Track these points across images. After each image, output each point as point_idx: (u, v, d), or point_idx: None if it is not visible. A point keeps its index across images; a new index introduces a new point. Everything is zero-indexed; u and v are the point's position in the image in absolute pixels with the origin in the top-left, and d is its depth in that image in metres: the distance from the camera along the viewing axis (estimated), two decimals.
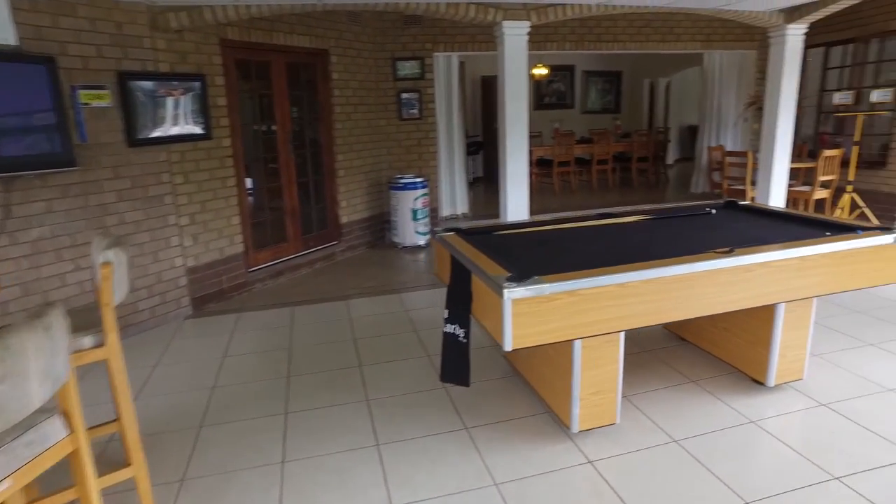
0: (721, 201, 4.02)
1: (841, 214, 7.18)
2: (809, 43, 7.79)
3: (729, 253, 2.63)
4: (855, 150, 7.01)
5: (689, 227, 3.41)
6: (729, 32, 7.95)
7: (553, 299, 2.28)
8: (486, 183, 10.59)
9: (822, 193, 6.88)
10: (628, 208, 3.92)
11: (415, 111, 6.81)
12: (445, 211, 7.39)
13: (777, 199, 6.35)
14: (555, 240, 3.15)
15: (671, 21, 7.59)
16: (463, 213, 7.52)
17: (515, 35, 5.01)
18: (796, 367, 3.22)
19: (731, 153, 7.19)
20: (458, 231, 3.29)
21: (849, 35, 7.30)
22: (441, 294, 3.66)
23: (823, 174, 6.76)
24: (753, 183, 7.09)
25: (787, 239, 2.93)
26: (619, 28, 7.38)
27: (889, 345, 3.60)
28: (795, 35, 5.93)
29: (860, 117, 7.03)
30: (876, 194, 7.17)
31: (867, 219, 7.12)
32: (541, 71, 10.16)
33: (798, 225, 3.35)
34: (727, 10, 5.62)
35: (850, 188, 7.15)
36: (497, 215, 7.51)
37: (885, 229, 3.03)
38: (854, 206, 7.23)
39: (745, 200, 6.15)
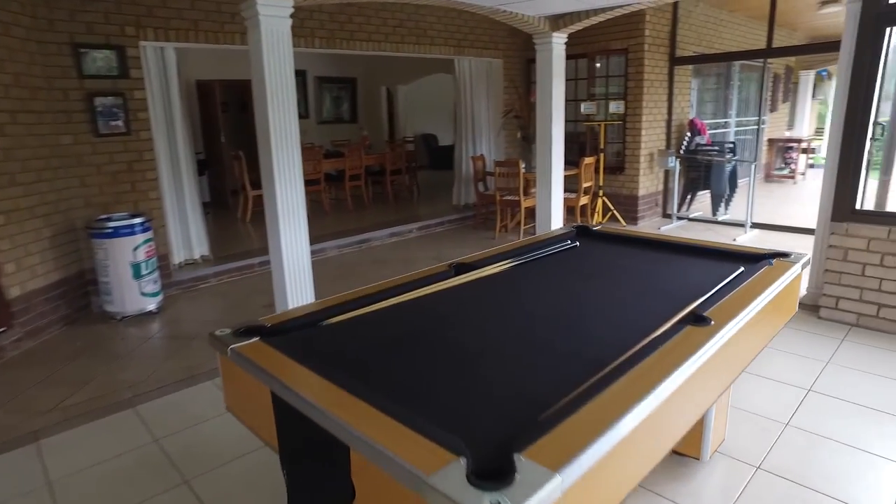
0: (570, 228, 3.34)
1: (598, 218, 7.49)
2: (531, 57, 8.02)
3: (706, 324, 1.84)
4: (600, 157, 7.35)
5: (579, 275, 2.59)
6: (477, 39, 7.71)
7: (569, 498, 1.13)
8: (216, 210, 8.64)
9: (584, 199, 7.04)
10: (476, 254, 2.95)
11: (119, 123, 4.78)
12: (179, 256, 5.48)
13: (557, 206, 6.18)
14: (424, 330, 1.98)
15: (423, 23, 6.97)
16: (202, 257, 5.69)
17: (274, 17, 3.60)
18: (721, 430, 2.67)
19: (501, 163, 6.89)
20: (263, 335, 1.86)
21: (580, 51, 7.65)
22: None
23: (585, 181, 6.91)
24: (527, 193, 6.90)
25: (710, 280, 2.31)
26: (373, 26, 6.44)
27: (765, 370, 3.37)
28: (559, 43, 5.78)
29: (603, 126, 7.39)
30: (618, 196, 7.68)
31: (618, 220, 7.57)
32: None
33: (685, 255, 2.82)
34: (503, 10, 5.12)
35: (601, 193, 7.50)
36: (249, 254, 5.93)
37: (782, 255, 2.64)
38: (606, 209, 7.63)
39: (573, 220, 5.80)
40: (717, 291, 2.20)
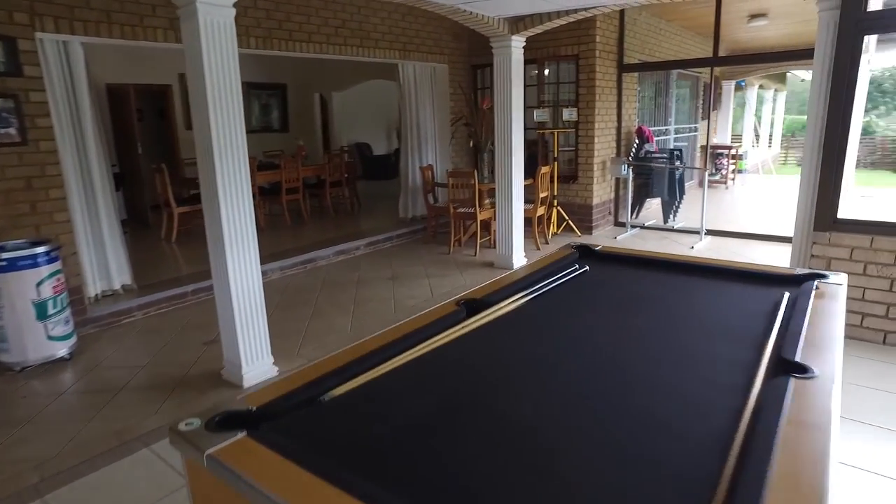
0: (571, 250, 2.97)
1: (553, 229, 7.23)
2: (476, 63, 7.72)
3: (809, 374, 1.49)
4: (555, 166, 7.11)
5: (610, 308, 2.20)
6: (423, 43, 7.28)
7: None
8: (135, 230, 7.70)
9: (541, 210, 6.76)
10: (481, 287, 2.49)
11: (10, 131, 3.97)
12: (95, 288, 4.66)
13: (518, 218, 5.85)
14: (458, 398, 1.50)
15: (367, 24, 6.46)
16: (124, 287, 4.90)
17: (215, 5, 3.02)
18: None
19: (454, 173, 6.48)
20: (248, 425, 1.32)
21: (529, 56, 7.39)
22: None
23: (541, 191, 6.63)
24: (480, 204, 6.53)
25: (763, 309, 2.00)
26: (314, 26, 5.86)
27: None
28: (518, 47, 5.47)
29: (556, 134, 7.16)
30: (572, 206, 7.47)
31: (573, 230, 7.35)
32: None
33: (713, 279, 2.50)
34: (463, 9, 4.72)
35: (555, 202, 7.25)
36: (180, 281, 5.17)
37: (820, 276, 2.38)
38: (560, 219, 7.40)
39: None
40: (783, 325, 1.87)
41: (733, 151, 11.72)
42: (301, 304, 4.94)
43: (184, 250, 6.55)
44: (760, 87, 16.95)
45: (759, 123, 16.46)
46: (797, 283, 2.33)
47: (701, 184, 11.49)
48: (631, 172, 7.47)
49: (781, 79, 18.65)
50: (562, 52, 7.14)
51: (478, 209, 6.39)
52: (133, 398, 3.33)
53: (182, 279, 5.22)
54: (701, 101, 11.20)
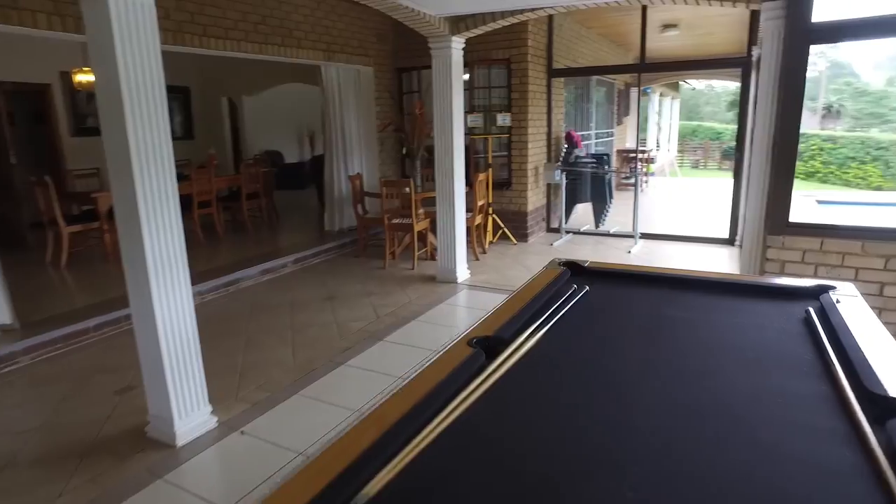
0: (560, 268, 2.69)
1: (489, 237, 7.01)
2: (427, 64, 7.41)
3: None
4: (489, 173, 6.90)
5: (641, 337, 1.92)
6: (347, 44, 6.83)
7: None
8: (11, 252, 6.60)
9: (479, 218, 6.51)
10: (484, 321, 2.17)
11: None
12: None
13: (460, 228, 5.55)
14: (519, 484, 1.16)
15: (289, 21, 5.92)
16: (4, 327, 4.07)
17: None
18: None
19: (390, 182, 6.07)
20: None
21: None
22: None
23: (478, 198, 6.38)
24: (401, 212, 6.18)
25: (797, 330, 1.81)
26: (230, 21, 5.25)
27: None
28: (458, 48, 5.18)
29: (490, 140, 6.95)
30: (506, 213, 7.30)
31: (509, 238, 7.17)
32: (88, 77, 6.83)
33: (728, 296, 2.30)
34: (405, 5, 4.36)
35: (491, 210, 7.04)
36: (77, 315, 4.32)
37: (829, 288, 2.25)
38: (496, 227, 7.19)
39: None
40: (834, 347, 1.69)
41: (646, 155, 12.15)
42: (230, 334, 4.35)
43: (78, 277, 5.66)
44: (660, 94, 17.89)
45: (660, 129, 17.33)
46: (809, 296, 2.19)
47: (618, 187, 11.82)
48: (563, 178, 7.42)
49: (675, 87, 19.84)
50: (493, 55, 6.95)
51: (415, 219, 6.03)
52: (25, 477, 2.65)
53: (80, 312, 4.44)
54: (616, 107, 11.52)
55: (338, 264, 6.42)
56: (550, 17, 7.21)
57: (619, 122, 12.02)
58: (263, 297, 5.27)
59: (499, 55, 6.93)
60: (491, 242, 7.10)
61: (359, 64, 7.07)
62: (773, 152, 4.11)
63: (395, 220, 6.23)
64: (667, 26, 8.92)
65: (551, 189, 7.81)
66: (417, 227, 6.12)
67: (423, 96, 7.19)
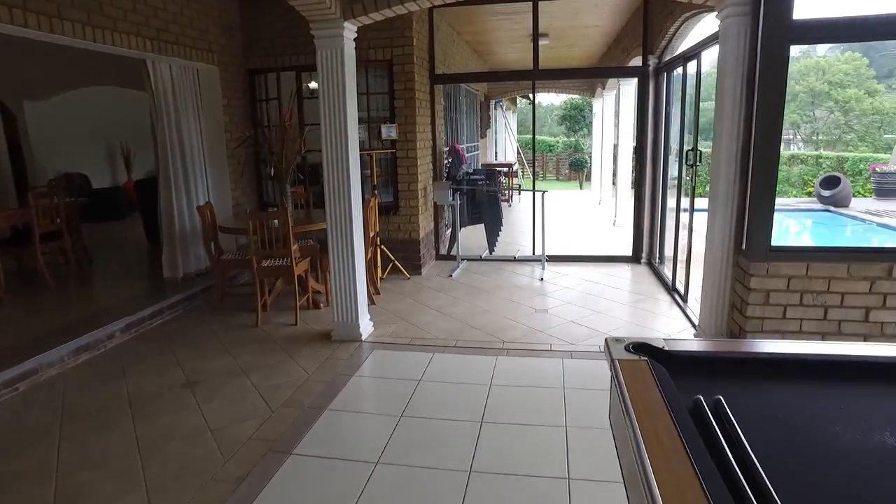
0: (642, 359, 1.68)
1: (380, 273, 5.85)
2: (286, 65, 6.04)
3: None
4: (376, 196, 5.76)
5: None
6: (183, 34, 5.22)
7: None
8: None
9: (369, 252, 5.31)
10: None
11: None
12: None
13: (360, 268, 4.35)
14: None
15: None
16: None
17: None
18: None
19: (259, 214, 4.63)
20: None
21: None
22: None
23: (370, 228, 5.19)
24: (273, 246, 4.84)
25: None
26: None
27: None
28: (350, 37, 4.00)
29: (374, 156, 5.81)
30: (394, 242, 6.19)
31: (401, 272, 6.08)
32: None
33: (863, 384, 1.48)
34: None
35: (378, 240, 5.90)
36: None
37: None
38: (386, 260, 6.05)
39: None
40: None
41: (511, 169, 11.81)
42: (20, 475, 2.67)
43: None
44: (505, 108, 18.06)
45: (512, 142, 17.43)
46: None
47: None
48: (457, 198, 6.51)
49: (514, 101, 20.30)
50: (371, 56, 5.83)
51: (294, 261, 4.68)
52: None
53: None
54: (479, 120, 11.00)
55: (190, 325, 4.80)
56: (431, 16, 6.29)
57: (483, 135, 11.55)
58: (80, 393, 3.55)
59: (379, 56, 5.83)
60: (382, 279, 5.93)
61: (199, 60, 5.49)
62: (740, 167, 3.56)
63: (268, 263, 4.80)
64: (542, 35, 8.53)
65: (438, 211, 6.87)
66: (297, 270, 4.76)
67: (288, 103, 5.81)
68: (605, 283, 5.73)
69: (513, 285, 5.76)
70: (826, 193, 12.25)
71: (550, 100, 35.02)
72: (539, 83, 13.28)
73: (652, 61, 5.93)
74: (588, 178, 18.90)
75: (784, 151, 18.63)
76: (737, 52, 3.46)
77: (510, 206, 11.53)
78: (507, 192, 11.85)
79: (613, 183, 11.33)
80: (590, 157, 19.44)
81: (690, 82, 4.97)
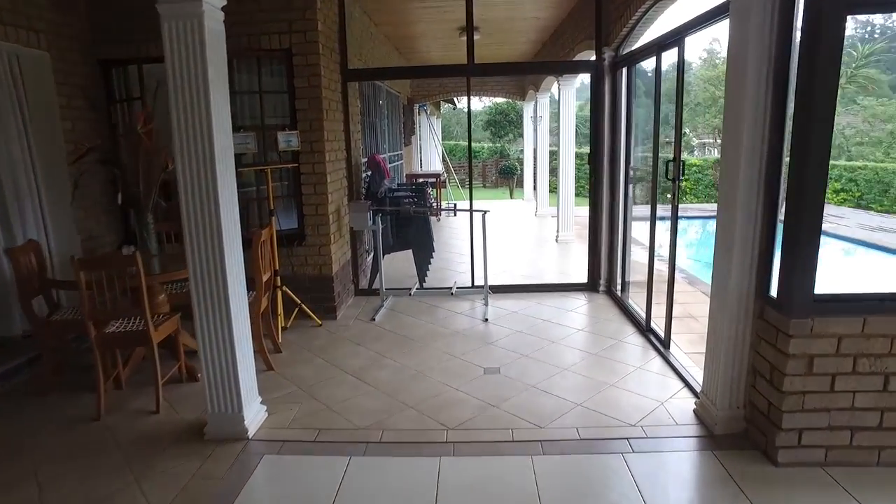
0: None
1: (282, 322, 4.58)
2: (155, 55, 4.62)
3: None
4: (273, 224, 4.49)
5: None
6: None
7: None
8: None
9: (264, 300, 4.01)
10: None
11: None
12: None
13: (242, 328, 3.08)
14: None
15: None
16: None
17: None
18: None
19: (95, 261, 3.25)
20: None
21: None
22: None
23: (264, 269, 3.90)
24: (154, 312, 3.51)
25: None
26: None
27: None
28: (214, 14, 2.73)
29: (269, 173, 4.53)
30: (300, 280, 4.92)
31: (311, 318, 4.82)
32: None
33: None
34: None
35: (279, 280, 4.62)
36: None
37: None
38: (289, 303, 4.78)
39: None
40: None
41: (438, 180, 10.72)
42: None
43: None
44: (429, 113, 17.01)
45: (438, 149, 16.40)
46: None
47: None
48: (378, 221, 5.31)
49: (438, 106, 19.31)
50: (264, 43, 4.54)
51: (151, 324, 3.33)
52: None
53: None
54: (403, 125, 9.84)
55: (1, 419, 3.34)
56: (341, 2, 5.07)
57: (407, 143, 10.40)
58: None
59: (274, 43, 4.55)
60: (284, 329, 4.64)
61: (20, 43, 4.00)
62: (766, 190, 2.62)
63: (116, 327, 3.42)
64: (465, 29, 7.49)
65: (357, 236, 5.66)
66: (158, 336, 3.41)
67: (151, 104, 4.39)
68: (564, 323, 4.72)
69: (451, 330, 4.63)
70: None
71: (474, 105, 34.50)
72: (473, 85, 12.36)
73: (608, 54, 4.99)
74: (519, 185, 18.20)
75: (710, 157, 18.73)
76: (761, 33, 2.50)
77: (438, 220, 10.41)
78: (436, 203, 10.75)
79: (552, 191, 10.51)
80: (520, 163, 18.76)
81: (669, 76, 4.07)
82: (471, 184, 5.79)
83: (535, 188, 11.36)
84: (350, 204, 5.21)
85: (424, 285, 5.74)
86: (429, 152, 15.56)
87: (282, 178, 5.00)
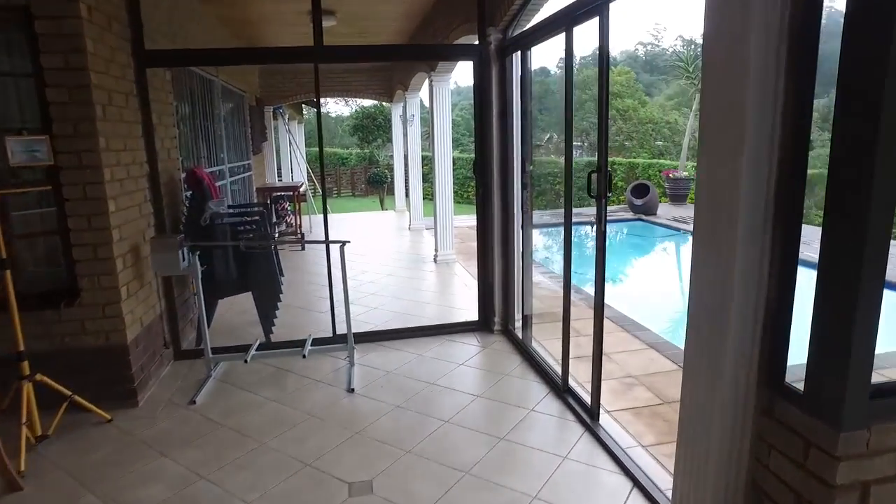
0: None
1: (36, 429, 3.01)
2: None
3: None
4: (8, 279, 2.92)
5: None
6: None
7: None
8: None
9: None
10: None
11: None
12: None
13: None
14: None
15: None
16: None
17: None
18: None
19: None
20: None
21: None
22: None
23: None
24: None
25: None
26: None
27: None
28: None
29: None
30: (72, 356, 3.34)
31: (93, 412, 3.28)
32: None
33: None
34: None
35: (28, 368, 3.05)
36: None
37: None
38: (48, 396, 3.19)
39: None
40: None
41: (297, 193, 9.22)
42: None
43: None
44: (288, 118, 15.30)
45: (300, 157, 14.79)
46: None
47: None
48: (196, 260, 3.83)
49: (299, 110, 17.64)
50: None
51: None
52: None
53: None
54: (250, 130, 8.26)
55: None
56: None
57: (257, 151, 8.81)
58: None
59: None
60: (46, 438, 3.04)
61: None
62: (776, 216, 1.66)
63: None
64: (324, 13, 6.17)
65: (177, 279, 4.15)
66: None
67: None
68: (455, 386, 3.60)
69: (304, 412, 3.32)
70: (639, 202, 11.91)
71: (340, 109, 32.95)
72: (333, 83, 10.91)
73: (494, 37, 3.97)
74: (391, 193, 17.06)
75: (579, 158, 18.89)
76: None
77: (297, 237, 8.88)
78: (292, 219, 9.24)
79: (426, 197, 9.49)
80: (390, 170, 17.63)
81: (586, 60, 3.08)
82: (325, 202, 4.47)
83: (407, 197, 10.28)
84: (153, 240, 3.69)
85: (272, 338, 4.35)
86: (290, 161, 13.92)
87: (32, 205, 3.38)
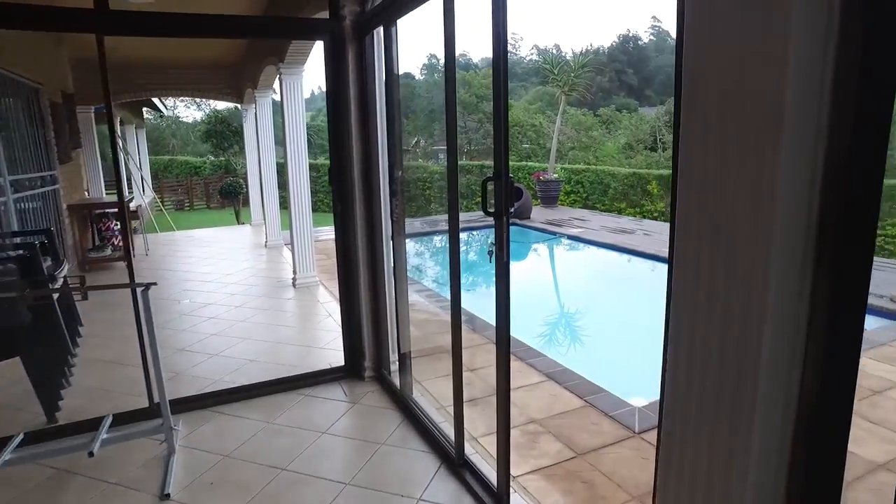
0: None
1: None
2: None
3: None
4: None
5: None
6: None
7: None
8: None
9: None
10: None
11: None
12: None
13: None
14: None
15: None
16: None
17: None
18: None
19: None
20: None
21: None
22: None
23: None
24: None
25: None
26: None
27: None
28: None
29: None
30: None
31: None
32: None
33: None
34: None
35: None
36: None
37: None
38: None
39: None
40: None
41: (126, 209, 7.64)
42: None
43: None
44: (121, 121, 13.20)
45: (139, 167, 12.84)
46: None
47: (85, 266, 7.07)
48: None
49: (138, 113, 15.48)
50: None
51: None
52: None
53: None
54: (52, 134, 6.64)
55: None
56: None
57: (67, 159, 7.15)
58: None
59: None
60: None
61: None
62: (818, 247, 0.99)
63: None
64: None
65: None
66: None
67: None
68: (316, 471, 2.69)
69: None
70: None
71: (192, 113, 30.14)
72: (159, 77, 9.25)
73: (350, 9, 3.12)
74: (247, 205, 15.46)
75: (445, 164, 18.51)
76: None
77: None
78: (121, 244, 7.68)
79: (284, 208, 8.37)
80: (244, 180, 16.03)
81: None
82: (127, 233, 3.33)
83: (262, 210, 9.08)
84: None
85: (55, 421, 3.13)
86: (125, 172, 11.94)
87: None
